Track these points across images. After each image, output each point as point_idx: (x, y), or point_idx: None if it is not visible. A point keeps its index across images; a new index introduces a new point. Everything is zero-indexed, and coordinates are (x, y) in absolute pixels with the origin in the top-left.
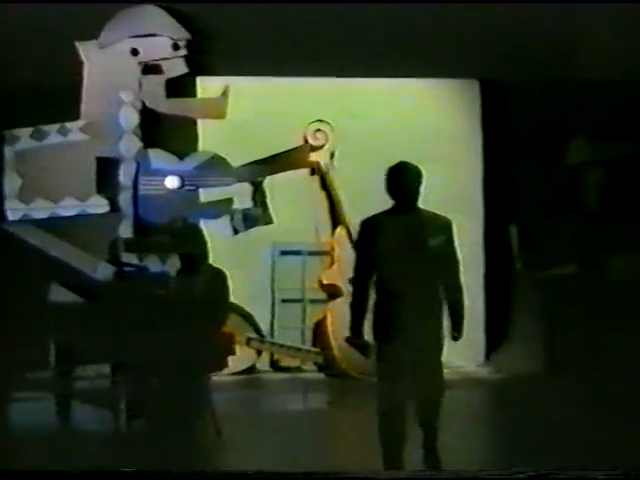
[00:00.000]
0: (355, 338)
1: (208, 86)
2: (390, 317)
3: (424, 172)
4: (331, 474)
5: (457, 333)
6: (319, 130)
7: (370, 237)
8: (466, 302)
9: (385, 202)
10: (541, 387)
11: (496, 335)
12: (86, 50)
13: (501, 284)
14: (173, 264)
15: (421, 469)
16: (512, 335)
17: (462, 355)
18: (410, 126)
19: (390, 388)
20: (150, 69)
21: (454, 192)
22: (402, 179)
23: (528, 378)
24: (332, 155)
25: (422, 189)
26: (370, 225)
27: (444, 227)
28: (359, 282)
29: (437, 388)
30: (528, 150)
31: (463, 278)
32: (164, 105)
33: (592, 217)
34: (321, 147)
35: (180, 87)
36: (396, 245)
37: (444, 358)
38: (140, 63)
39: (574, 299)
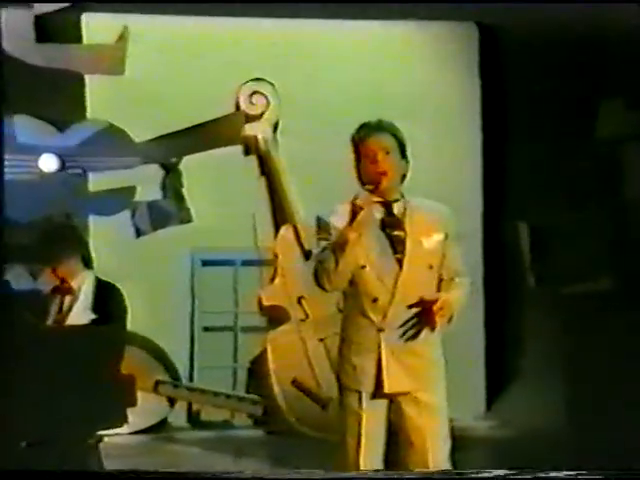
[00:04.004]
0: None
1: (98, 27)
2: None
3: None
4: (329, 474)
5: None
6: (256, 92)
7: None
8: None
9: (351, 191)
10: (561, 447)
11: (500, 377)
12: None
13: (507, 306)
14: (48, 279)
15: (421, 469)
16: (522, 377)
17: (455, 404)
18: (383, 87)
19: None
20: None
21: (442, 176)
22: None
23: (543, 435)
24: (275, 127)
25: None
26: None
27: (440, 221)
28: None
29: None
30: (544, 120)
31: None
32: (35, 53)
33: (630, 212)
34: (259, 116)
35: (57, 28)
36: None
37: None
38: None
39: (606, 327)
